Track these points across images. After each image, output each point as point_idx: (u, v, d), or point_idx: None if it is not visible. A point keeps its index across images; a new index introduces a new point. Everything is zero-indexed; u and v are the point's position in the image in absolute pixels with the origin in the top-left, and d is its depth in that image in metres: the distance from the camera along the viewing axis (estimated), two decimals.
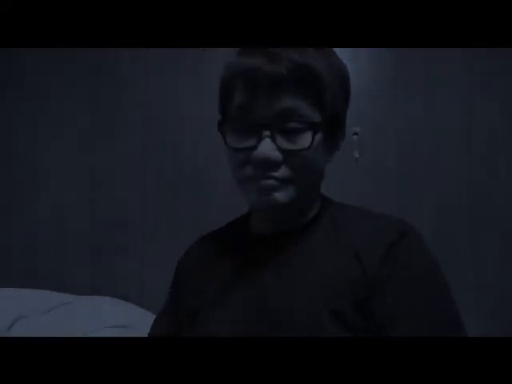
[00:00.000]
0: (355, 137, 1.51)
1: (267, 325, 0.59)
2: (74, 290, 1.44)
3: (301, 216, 0.66)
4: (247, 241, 0.68)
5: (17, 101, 1.71)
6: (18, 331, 1.21)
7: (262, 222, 0.68)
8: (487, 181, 1.54)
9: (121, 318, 1.23)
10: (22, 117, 1.70)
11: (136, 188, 1.64)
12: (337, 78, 0.62)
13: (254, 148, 0.59)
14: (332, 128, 0.63)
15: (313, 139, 0.59)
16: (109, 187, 1.65)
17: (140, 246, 1.62)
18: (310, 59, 0.58)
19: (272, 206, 0.60)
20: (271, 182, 0.59)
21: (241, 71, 0.60)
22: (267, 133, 0.58)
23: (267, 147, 0.58)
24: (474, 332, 0.67)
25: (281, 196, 0.60)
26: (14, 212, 1.68)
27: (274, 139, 0.58)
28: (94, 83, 1.68)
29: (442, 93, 1.55)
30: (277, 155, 0.58)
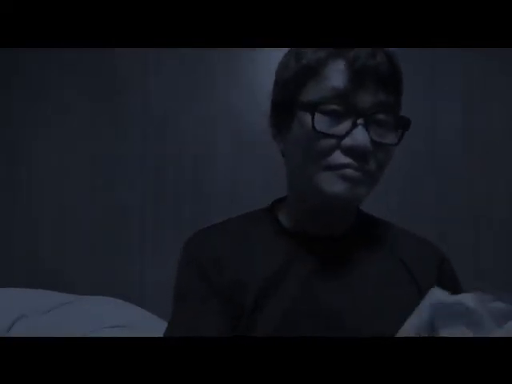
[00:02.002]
0: None
1: (321, 325, 0.59)
2: (74, 290, 1.44)
3: (343, 221, 0.67)
4: (283, 239, 0.66)
5: (16, 103, 1.71)
6: (18, 331, 1.20)
7: (303, 222, 0.66)
8: (487, 181, 1.54)
9: (121, 318, 1.23)
10: (20, 123, 1.71)
11: (136, 188, 1.64)
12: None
13: (346, 135, 0.57)
14: None
15: (402, 135, 0.60)
16: (109, 187, 1.65)
17: (140, 246, 1.62)
18: (395, 59, 0.60)
19: (350, 197, 0.58)
20: (358, 173, 0.57)
21: (342, 58, 0.57)
22: (361, 121, 0.56)
23: (362, 136, 0.56)
24: None
25: (362, 190, 0.59)
26: (14, 212, 1.68)
27: (367, 129, 0.56)
28: (93, 83, 1.68)
29: (442, 93, 1.55)
30: (370, 146, 0.56)
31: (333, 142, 0.57)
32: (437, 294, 0.49)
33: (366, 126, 0.56)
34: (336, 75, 0.57)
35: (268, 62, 1.42)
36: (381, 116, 0.58)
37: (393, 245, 0.67)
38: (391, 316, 0.59)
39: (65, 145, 1.68)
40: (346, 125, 0.57)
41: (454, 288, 0.65)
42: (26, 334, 1.18)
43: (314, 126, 0.57)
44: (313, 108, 0.57)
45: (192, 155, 1.63)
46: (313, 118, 0.57)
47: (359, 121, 0.56)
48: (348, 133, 0.56)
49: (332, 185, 0.58)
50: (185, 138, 1.64)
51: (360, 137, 0.56)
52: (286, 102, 0.62)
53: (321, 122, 0.57)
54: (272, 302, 0.60)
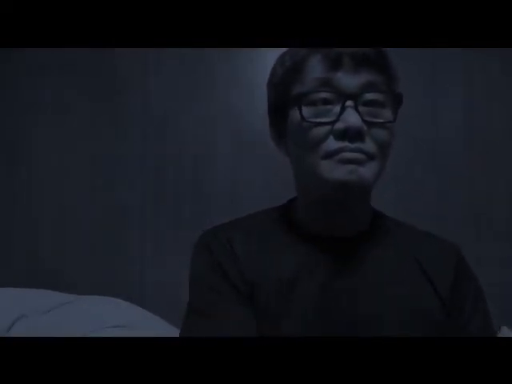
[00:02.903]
0: None
1: (337, 325, 0.59)
2: (73, 290, 1.44)
3: (358, 221, 0.66)
4: (297, 239, 0.65)
5: (16, 109, 1.71)
6: (18, 331, 1.20)
7: (315, 221, 0.65)
8: (488, 179, 1.54)
9: (121, 318, 1.23)
10: (20, 123, 1.70)
11: (136, 188, 1.64)
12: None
13: (337, 120, 0.57)
14: None
15: (396, 112, 0.60)
16: (109, 187, 1.65)
17: (140, 246, 1.62)
18: None
19: (357, 182, 0.57)
20: (356, 154, 0.57)
21: (319, 51, 0.59)
22: (350, 103, 0.56)
23: (353, 118, 0.56)
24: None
25: (366, 172, 0.57)
26: (14, 212, 1.68)
27: (357, 110, 0.56)
28: (93, 83, 1.68)
29: (442, 90, 1.55)
30: (362, 125, 0.56)
31: (325, 129, 0.58)
32: None
33: (356, 107, 0.56)
34: (315, 67, 0.59)
35: (268, 62, 1.41)
36: (370, 96, 0.58)
37: (407, 245, 0.67)
38: (405, 315, 0.60)
39: (65, 145, 1.68)
40: (335, 110, 0.57)
41: (471, 285, 0.66)
42: (26, 334, 1.18)
43: (302, 116, 0.58)
44: (299, 100, 0.58)
45: (192, 155, 1.62)
46: (300, 109, 0.58)
47: (348, 103, 0.57)
48: (338, 117, 0.57)
49: (332, 171, 0.57)
50: (185, 138, 1.63)
51: (352, 118, 0.56)
52: (279, 106, 0.64)
53: (309, 112, 0.58)
54: (288, 304, 0.60)
